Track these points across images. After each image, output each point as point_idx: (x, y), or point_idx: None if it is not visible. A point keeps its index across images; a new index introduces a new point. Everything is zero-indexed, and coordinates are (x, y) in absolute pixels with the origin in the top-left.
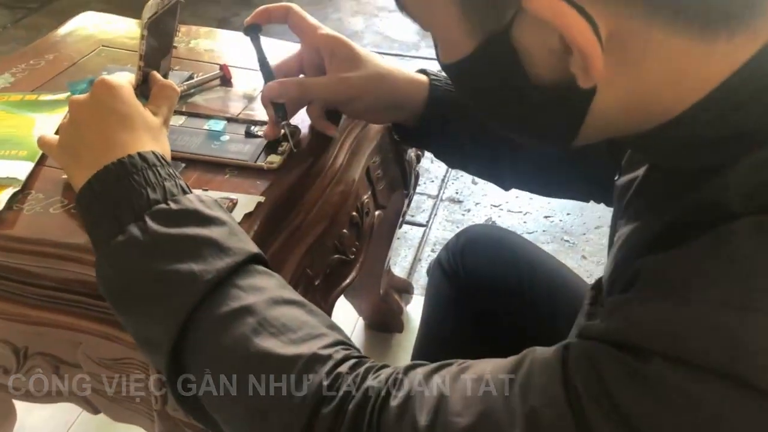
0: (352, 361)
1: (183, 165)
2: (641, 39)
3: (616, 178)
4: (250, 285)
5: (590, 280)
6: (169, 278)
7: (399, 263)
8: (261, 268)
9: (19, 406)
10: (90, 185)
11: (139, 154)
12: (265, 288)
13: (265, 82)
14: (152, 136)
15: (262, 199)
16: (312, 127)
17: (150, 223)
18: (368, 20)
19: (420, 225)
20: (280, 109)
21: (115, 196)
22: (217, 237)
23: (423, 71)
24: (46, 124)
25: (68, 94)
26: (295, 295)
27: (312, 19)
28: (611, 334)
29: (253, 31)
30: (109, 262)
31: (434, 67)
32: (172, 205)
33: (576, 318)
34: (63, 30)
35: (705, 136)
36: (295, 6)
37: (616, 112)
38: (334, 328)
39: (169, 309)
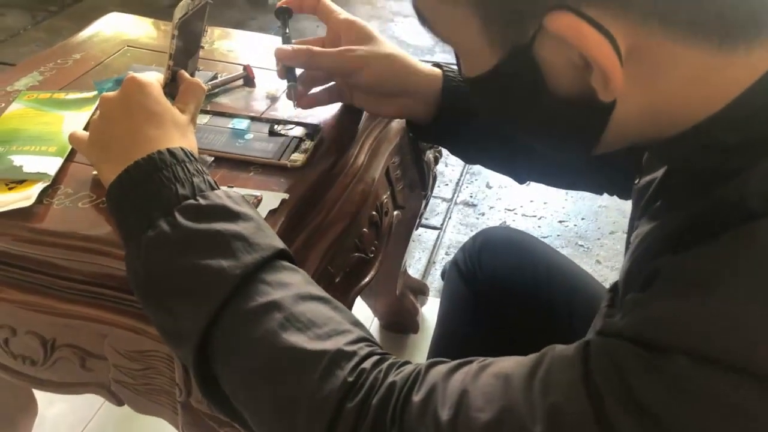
0: (375, 358)
1: (212, 159)
2: (660, 53)
3: (636, 181)
4: (277, 280)
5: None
6: (198, 273)
7: (413, 266)
8: (287, 263)
9: (40, 398)
10: (120, 180)
11: (168, 150)
12: (292, 284)
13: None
14: (180, 133)
15: (286, 196)
16: (335, 127)
17: (179, 219)
18: (383, 25)
19: (434, 228)
20: (290, 72)
21: (144, 191)
22: (245, 232)
23: (437, 64)
24: (75, 121)
25: (95, 92)
26: (320, 291)
27: (336, 7)
28: (631, 330)
29: (284, 14)
30: (138, 257)
31: None
32: (201, 201)
33: (592, 318)
34: (89, 31)
35: (724, 143)
36: None
37: (636, 121)
38: (358, 324)
39: (197, 304)
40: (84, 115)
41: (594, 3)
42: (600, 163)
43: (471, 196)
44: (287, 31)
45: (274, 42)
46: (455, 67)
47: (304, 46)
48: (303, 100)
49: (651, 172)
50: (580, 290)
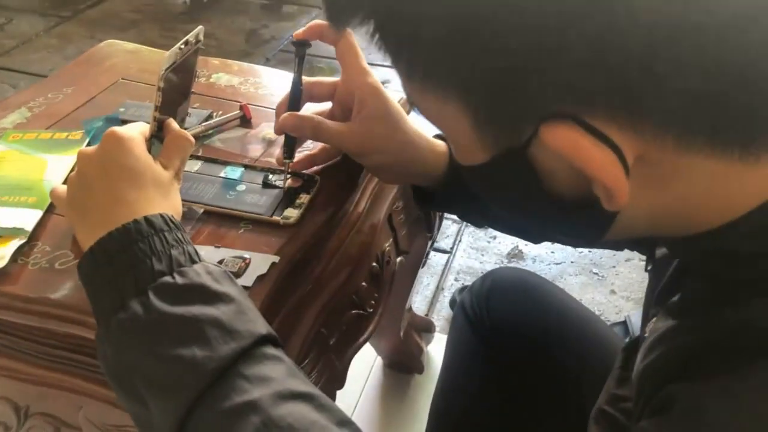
0: None
1: (201, 211)
2: (673, 164)
3: (647, 268)
4: (256, 375)
5: (619, 317)
6: (171, 364)
7: (421, 292)
8: (269, 351)
9: None
10: (92, 253)
11: (146, 218)
12: (273, 378)
13: (289, 106)
14: (162, 193)
15: (276, 259)
16: (334, 178)
17: (153, 300)
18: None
19: (443, 252)
20: (290, 142)
21: (117, 266)
22: (224, 317)
23: (441, 137)
24: (58, 166)
25: (82, 132)
26: (304, 385)
27: (362, 60)
28: None
29: (302, 46)
30: (109, 341)
31: None
32: (178, 279)
33: (605, 377)
34: (83, 60)
35: (742, 251)
36: (350, 33)
37: (644, 222)
38: (345, 423)
39: (170, 398)
40: (69, 158)
41: (598, 111)
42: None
43: None
44: (300, 75)
45: (276, 76)
46: None
47: (310, 117)
48: (298, 161)
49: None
50: (593, 342)
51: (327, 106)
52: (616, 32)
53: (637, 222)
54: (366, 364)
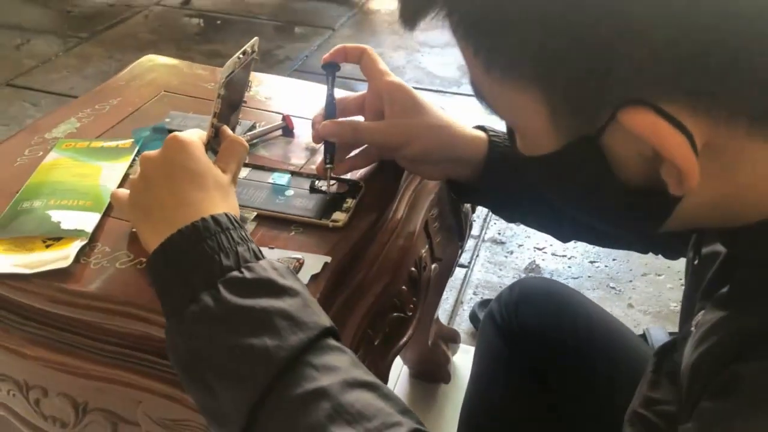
0: None
1: (254, 214)
2: (740, 151)
3: (693, 259)
4: (324, 364)
5: (637, 330)
6: (242, 353)
7: (441, 305)
8: (333, 343)
9: None
10: (162, 249)
11: (212, 216)
12: (339, 368)
13: (325, 117)
14: (222, 194)
15: (328, 259)
16: (376, 183)
17: (224, 293)
18: (410, 55)
19: (462, 266)
20: (330, 149)
21: (188, 262)
22: (291, 309)
23: (481, 128)
24: (112, 172)
25: (132, 140)
26: (367, 375)
27: (383, 65)
28: None
29: (331, 68)
30: (180, 332)
31: (476, 105)
32: (246, 274)
33: (636, 382)
34: (125, 74)
35: None
36: (370, 49)
37: (705, 210)
38: (407, 413)
39: (241, 386)
40: (121, 165)
41: (674, 98)
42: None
43: (499, 233)
44: (332, 90)
45: (312, 89)
46: (501, 131)
47: (347, 120)
48: (340, 167)
49: (709, 243)
50: (622, 349)
51: (360, 119)
52: (698, 21)
53: (697, 212)
54: (393, 374)
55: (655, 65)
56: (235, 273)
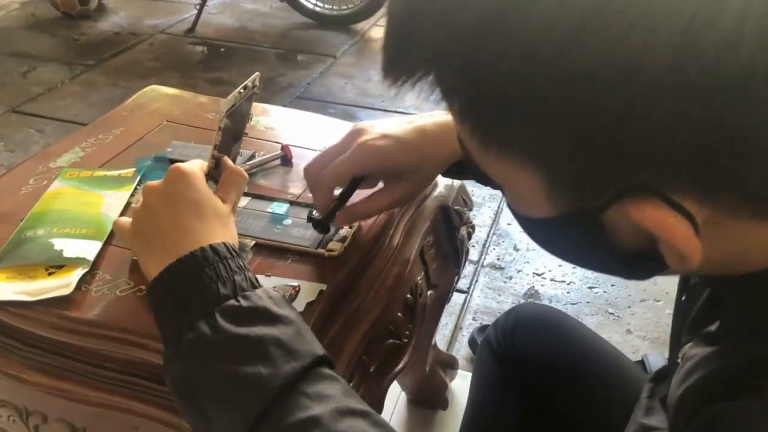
0: None
1: (253, 242)
2: (738, 230)
3: (682, 297)
4: (317, 392)
5: (635, 356)
6: (237, 380)
7: (439, 331)
8: (326, 371)
9: None
10: (162, 278)
11: (211, 246)
12: (331, 396)
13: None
14: (222, 224)
15: (324, 287)
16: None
17: (220, 321)
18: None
19: (460, 291)
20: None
21: (186, 290)
22: (285, 338)
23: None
24: (114, 201)
25: (134, 169)
26: (359, 404)
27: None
28: None
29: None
30: (177, 359)
31: None
32: (242, 302)
33: (630, 408)
34: (130, 103)
35: None
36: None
37: (696, 268)
38: None
39: (236, 413)
40: (123, 194)
41: (678, 183)
42: None
43: (498, 259)
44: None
45: (311, 119)
46: None
47: (357, 206)
48: (338, 218)
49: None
50: (617, 373)
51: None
52: (705, 113)
53: (685, 270)
54: (391, 400)
55: (660, 154)
56: (232, 301)
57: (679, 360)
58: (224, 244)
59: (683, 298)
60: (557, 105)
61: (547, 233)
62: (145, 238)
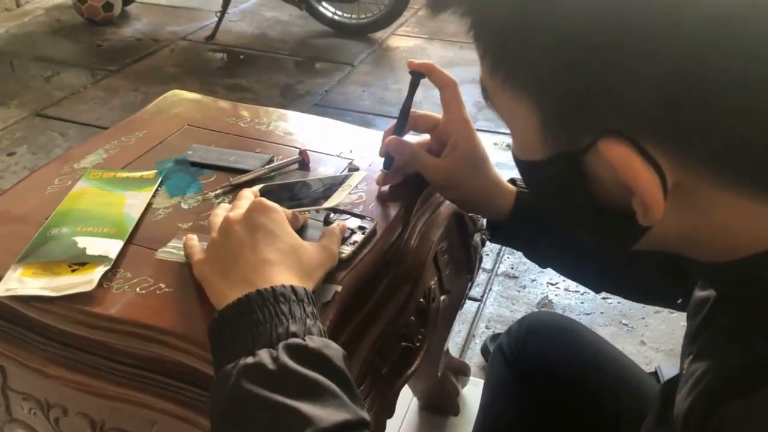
0: None
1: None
2: (707, 194)
3: (678, 300)
4: None
5: (649, 368)
6: (285, 411)
7: (452, 339)
8: None
9: None
10: (239, 304)
11: (292, 287)
12: None
13: (395, 130)
14: (296, 259)
15: (339, 288)
16: (389, 218)
17: (282, 354)
18: (427, 91)
19: (474, 300)
20: (388, 159)
21: (257, 319)
22: (339, 392)
23: (512, 180)
24: (136, 202)
25: (155, 171)
26: None
27: (463, 106)
28: None
29: (417, 76)
30: (228, 381)
31: (489, 140)
32: (309, 342)
33: (642, 417)
34: (152, 107)
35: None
36: (456, 84)
37: (673, 239)
38: None
39: None
40: (144, 195)
41: (653, 137)
42: (679, 275)
43: (512, 268)
44: (411, 101)
45: (329, 125)
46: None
47: (411, 144)
48: (391, 177)
49: (704, 288)
50: (629, 383)
51: (426, 137)
52: (682, 71)
53: (665, 239)
54: (402, 406)
55: (642, 103)
56: (299, 340)
57: (683, 372)
58: (304, 289)
59: (678, 301)
60: (545, 35)
61: (540, 180)
62: (220, 263)
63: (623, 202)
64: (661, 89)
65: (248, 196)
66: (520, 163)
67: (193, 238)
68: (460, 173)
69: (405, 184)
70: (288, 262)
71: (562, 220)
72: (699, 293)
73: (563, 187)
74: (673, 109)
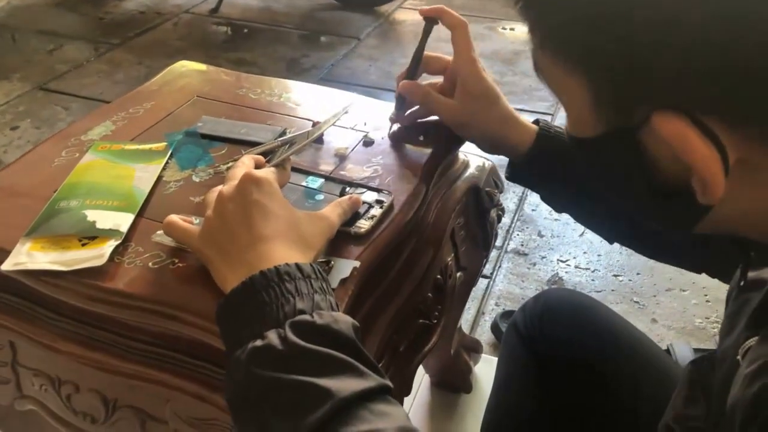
0: None
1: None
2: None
3: (740, 282)
4: (380, 410)
5: (661, 345)
6: (302, 388)
7: (462, 315)
8: (390, 398)
9: None
10: (244, 287)
11: (297, 264)
12: (393, 415)
13: (408, 74)
14: (294, 228)
15: (357, 264)
16: (406, 191)
17: (289, 333)
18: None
19: (484, 277)
20: (399, 100)
21: (264, 300)
22: (354, 363)
23: (536, 121)
24: (145, 174)
25: (165, 143)
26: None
27: (472, 48)
28: None
29: (431, 22)
30: (241, 365)
31: None
32: (317, 319)
33: (659, 394)
34: (159, 79)
35: None
36: (467, 26)
37: (736, 221)
38: None
39: (296, 422)
40: (154, 168)
41: (712, 111)
42: (706, 240)
43: (522, 245)
44: (423, 46)
45: (339, 96)
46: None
47: (424, 86)
48: (404, 118)
49: (757, 267)
50: (646, 361)
51: (439, 79)
52: (746, 42)
53: (732, 219)
54: (414, 382)
55: (699, 77)
56: (306, 317)
57: (739, 357)
58: (311, 265)
59: (741, 283)
60: (602, 18)
61: (596, 158)
62: (218, 246)
63: (682, 180)
64: (717, 60)
65: (245, 162)
66: (573, 139)
67: (178, 222)
68: (473, 109)
69: (420, 155)
70: (285, 235)
71: (619, 200)
72: (753, 273)
73: (618, 165)
74: (731, 80)
